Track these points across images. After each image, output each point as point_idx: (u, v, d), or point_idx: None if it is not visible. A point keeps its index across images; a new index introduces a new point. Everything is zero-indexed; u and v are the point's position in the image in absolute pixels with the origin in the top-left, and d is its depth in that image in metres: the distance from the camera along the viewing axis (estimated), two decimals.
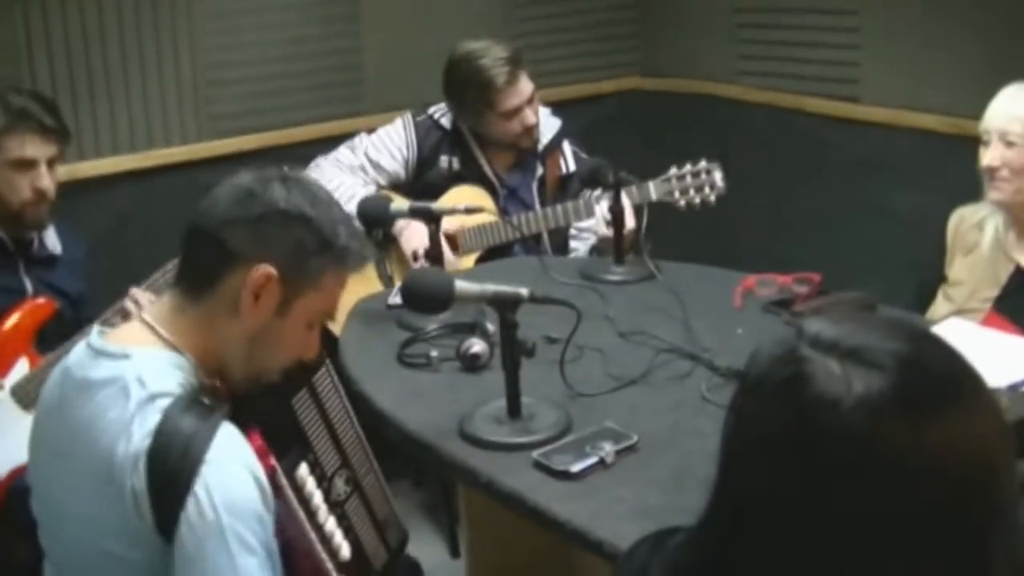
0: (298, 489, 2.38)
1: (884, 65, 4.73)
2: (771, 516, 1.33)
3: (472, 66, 4.37)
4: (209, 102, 4.87)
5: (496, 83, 4.33)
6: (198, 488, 2.07)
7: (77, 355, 2.32)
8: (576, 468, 2.50)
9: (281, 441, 2.34)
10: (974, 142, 3.51)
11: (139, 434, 2.11)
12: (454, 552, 4.55)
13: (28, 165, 3.68)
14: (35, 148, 3.67)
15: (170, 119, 4.81)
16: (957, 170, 3.71)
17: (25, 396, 3.55)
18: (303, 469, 2.42)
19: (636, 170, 3.84)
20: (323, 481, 2.49)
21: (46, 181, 3.70)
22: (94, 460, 2.16)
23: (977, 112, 3.49)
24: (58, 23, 4.54)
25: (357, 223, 2.42)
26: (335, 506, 2.53)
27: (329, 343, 3.81)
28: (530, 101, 4.42)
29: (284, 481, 2.28)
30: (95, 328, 2.39)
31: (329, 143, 4.67)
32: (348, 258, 2.32)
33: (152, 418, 2.12)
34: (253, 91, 4.95)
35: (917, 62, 4.59)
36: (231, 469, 2.13)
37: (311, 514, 2.42)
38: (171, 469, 2.08)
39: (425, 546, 4.53)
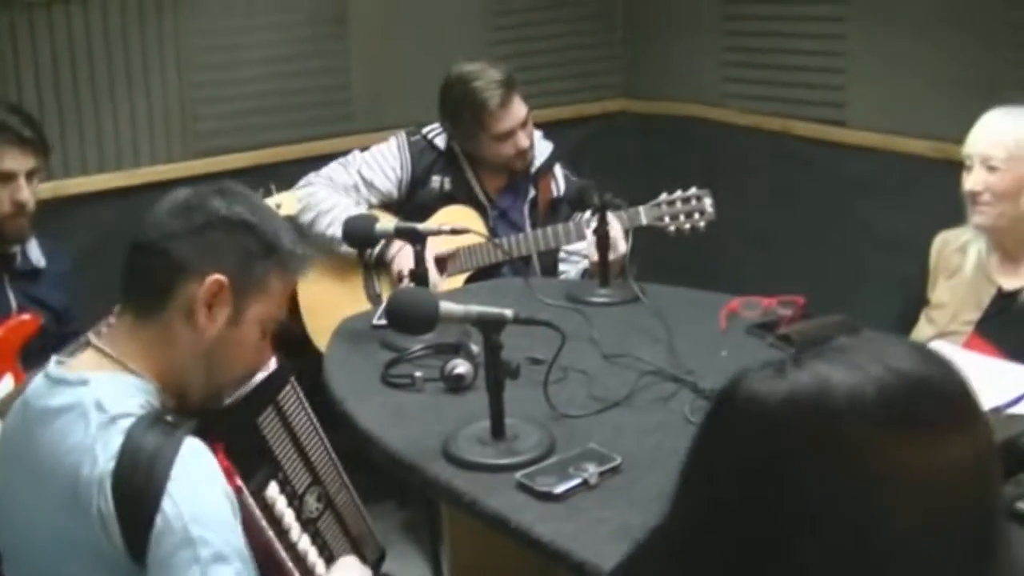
0: (268, 508, 2.37)
1: (870, 89, 4.75)
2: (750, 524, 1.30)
3: (467, 88, 4.38)
4: (196, 120, 4.87)
5: (489, 105, 4.34)
6: (165, 505, 2.06)
7: (36, 386, 2.31)
8: (559, 489, 2.50)
9: (249, 461, 2.33)
10: (958, 166, 3.53)
11: (103, 457, 2.10)
12: (436, 573, 4.54)
13: (7, 178, 3.70)
14: (14, 161, 3.70)
15: (156, 137, 4.81)
16: (942, 194, 3.73)
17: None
18: (272, 488, 2.41)
19: (622, 192, 3.85)
20: (294, 499, 2.48)
21: (25, 194, 3.72)
22: (57, 486, 2.14)
23: (961, 136, 3.51)
24: (45, 39, 4.54)
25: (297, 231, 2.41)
26: (308, 524, 2.52)
27: (300, 359, 3.84)
28: (523, 124, 4.43)
29: (251, 501, 2.27)
30: (53, 359, 2.36)
31: (316, 162, 4.66)
32: (293, 261, 2.34)
33: (115, 440, 2.11)
34: (240, 109, 4.96)
35: (903, 86, 4.61)
36: (197, 483, 2.12)
37: (283, 533, 2.41)
38: (137, 489, 2.07)
39: (408, 567, 4.53)
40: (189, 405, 2.33)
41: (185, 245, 2.24)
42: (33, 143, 3.76)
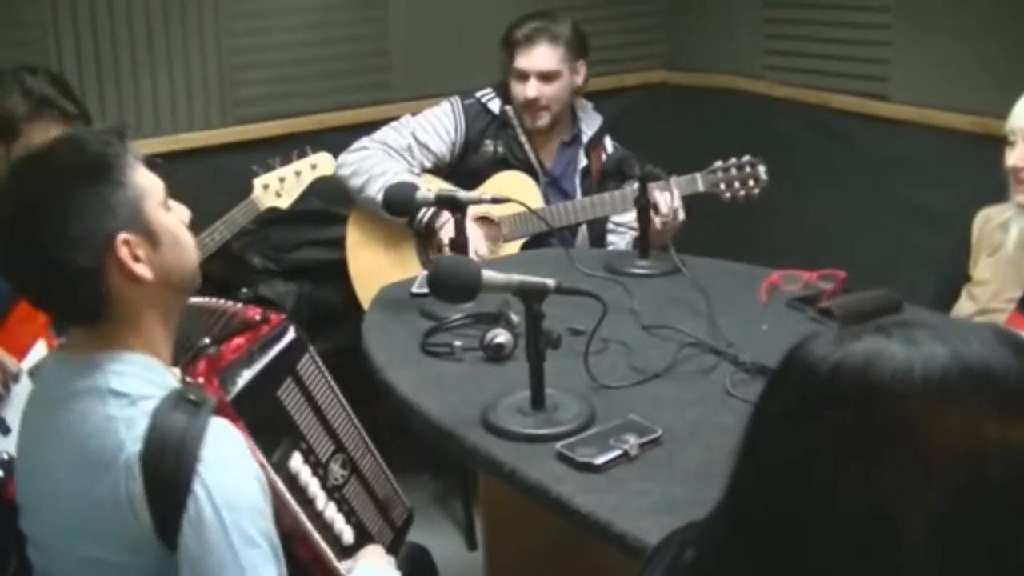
0: (292, 479, 2.37)
1: (914, 63, 4.71)
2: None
3: (519, 20, 4.52)
4: (235, 87, 4.86)
5: (516, 35, 4.47)
6: (196, 488, 2.06)
7: (47, 371, 2.36)
8: (600, 460, 2.49)
9: (271, 434, 2.34)
10: (1001, 142, 3.49)
11: (129, 439, 2.09)
12: (471, 544, 4.55)
13: None
14: (59, 130, 3.69)
15: (195, 103, 4.81)
16: (983, 170, 3.69)
17: None
18: (296, 459, 2.41)
19: (662, 163, 3.83)
20: (318, 468, 2.48)
21: None
22: (80, 471, 2.14)
23: (1004, 112, 3.47)
24: (85, 7, 4.54)
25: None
26: (334, 491, 2.53)
27: (348, 326, 3.83)
28: (543, 77, 4.46)
29: (274, 476, 2.27)
30: (61, 341, 2.36)
31: (355, 130, 4.66)
32: (125, 160, 2.22)
33: (140, 422, 2.10)
34: (279, 76, 4.95)
35: (947, 61, 4.57)
36: (228, 465, 2.12)
37: (308, 503, 2.41)
38: (167, 471, 2.07)
39: (442, 538, 4.54)
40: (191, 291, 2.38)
41: (69, 250, 2.14)
42: (77, 117, 3.76)
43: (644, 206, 3.67)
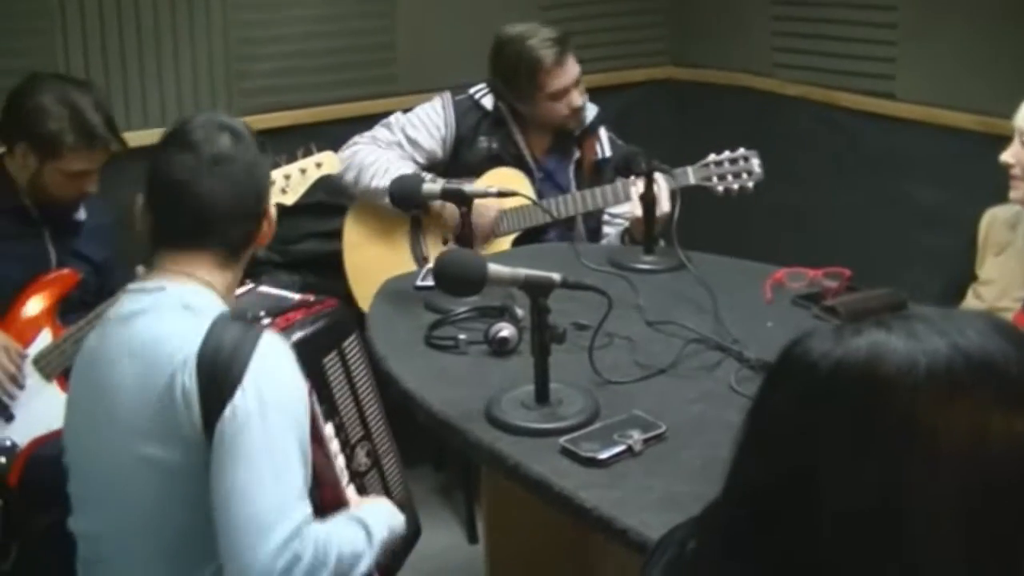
0: (323, 442, 2.42)
1: (920, 63, 4.70)
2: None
3: (521, 47, 4.39)
4: (240, 78, 4.86)
5: (545, 63, 4.36)
6: (247, 381, 2.25)
7: (114, 306, 2.52)
8: (604, 455, 2.49)
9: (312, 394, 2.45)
10: (1007, 142, 3.49)
11: (191, 338, 2.29)
12: (472, 537, 4.55)
13: (83, 174, 3.73)
14: (94, 163, 3.74)
15: (201, 94, 4.80)
16: (989, 170, 3.68)
17: (47, 366, 3.55)
18: (329, 429, 2.44)
19: (666, 159, 3.83)
20: (346, 447, 2.53)
21: (94, 186, 3.78)
22: (144, 370, 2.31)
23: (1011, 111, 3.48)
24: None
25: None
26: (355, 476, 2.55)
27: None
28: (577, 83, 4.44)
29: (316, 408, 2.44)
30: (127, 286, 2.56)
31: (360, 123, 4.67)
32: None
33: (202, 326, 2.31)
34: (285, 68, 4.94)
35: (953, 60, 4.56)
36: (278, 370, 2.32)
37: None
38: (221, 367, 2.25)
39: (443, 530, 4.54)
40: None
41: (257, 202, 2.54)
42: (112, 143, 3.77)
43: (650, 201, 3.67)
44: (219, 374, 2.25)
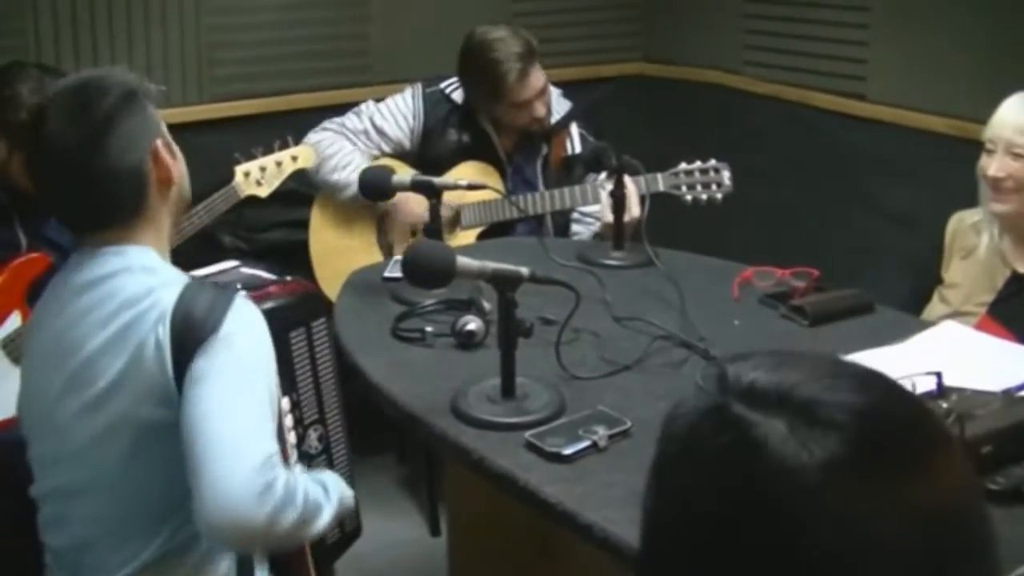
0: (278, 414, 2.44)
1: (892, 64, 4.71)
2: None
3: (486, 59, 4.39)
4: (212, 64, 4.84)
5: (508, 80, 4.36)
6: (221, 331, 2.29)
7: (71, 266, 2.50)
8: (568, 451, 2.48)
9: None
10: (976, 145, 3.50)
11: (164, 296, 2.33)
12: (434, 530, 4.54)
13: None
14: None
15: (172, 80, 4.78)
16: (959, 172, 3.70)
17: (16, 350, 3.54)
18: (285, 402, 2.44)
19: (636, 155, 3.83)
20: (299, 425, 2.54)
21: None
22: (115, 333, 2.33)
23: (982, 115, 3.48)
24: None
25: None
26: (304, 457, 2.55)
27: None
28: (541, 93, 4.44)
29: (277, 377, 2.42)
30: (82, 247, 2.53)
31: (332, 112, 4.66)
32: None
33: (174, 286, 2.36)
34: (257, 55, 4.93)
35: (924, 63, 4.58)
36: (251, 323, 2.36)
37: (283, 444, 2.45)
38: (196, 321, 2.29)
39: (405, 522, 4.54)
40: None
41: (120, 151, 2.44)
42: None
43: (620, 198, 3.67)
44: (193, 328, 2.29)
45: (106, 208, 2.46)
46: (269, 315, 2.46)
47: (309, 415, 2.59)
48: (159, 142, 2.49)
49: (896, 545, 1.10)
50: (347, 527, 2.80)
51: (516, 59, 4.35)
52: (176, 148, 2.59)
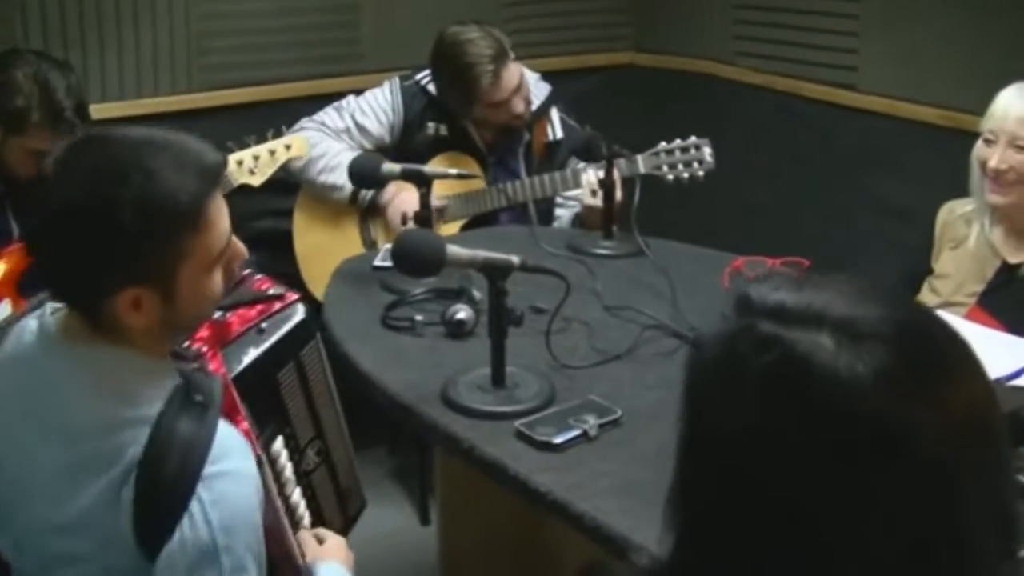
0: (272, 463, 2.35)
1: (882, 55, 4.71)
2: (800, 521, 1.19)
3: (457, 63, 4.31)
4: (201, 53, 4.82)
5: (481, 83, 4.28)
6: (194, 505, 1.96)
7: (32, 342, 2.14)
8: (559, 440, 2.49)
9: (262, 415, 2.30)
10: (968, 136, 3.50)
11: (130, 443, 1.98)
12: (424, 519, 4.54)
13: (45, 154, 3.68)
14: (52, 144, 3.68)
15: (161, 68, 4.75)
16: (950, 163, 3.70)
17: (4, 338, 3.53)
18: (278, 443, 2.38)
19: (627, 146, 3.84)
20: (296, 453, 2.46)
21: None
22: (71, 465, 2.02)
23: (973, 106, 3.48)
24: None
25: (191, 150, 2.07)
26: (303, 476, 2.51)
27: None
28: (517, 90, 4.37)
29: (267, 471, 2.23)
30: (48, 308, 2.18)
31: (323, 101, 4.64)
32: (183, 213, 1.99)
33: (142, 427, 1.99)
34: (247, 44, 4.90)
35: (916, 53, 4.57)
36: (231, 482, 2.01)
37: (281, 486, 2.39)
38: (166, 481, 1.96)
39: (396, 512, 4.55)
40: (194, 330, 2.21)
41: (78, 269, 2.01)
42: (78, 128, 3.74)
43: (610, 187, 3.67)
44: (164, 489, 1.96)
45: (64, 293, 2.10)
46: (253, 368, 2.26)
47: (305, 437, 2.52)
48: (133, 293, 1.99)
49: (936, 447, 1.16)
50: (350, 511, 2.78)
51: (488, 61, 4.28)
52: (195, 288, 2.05)
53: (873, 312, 1.21)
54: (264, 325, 2.35)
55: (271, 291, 2.42)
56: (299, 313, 2.45)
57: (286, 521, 2.33)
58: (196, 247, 2.02)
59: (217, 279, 2.10)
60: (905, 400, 1.16)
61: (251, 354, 2.27)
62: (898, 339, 1.18)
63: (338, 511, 2.72)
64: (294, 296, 2.48)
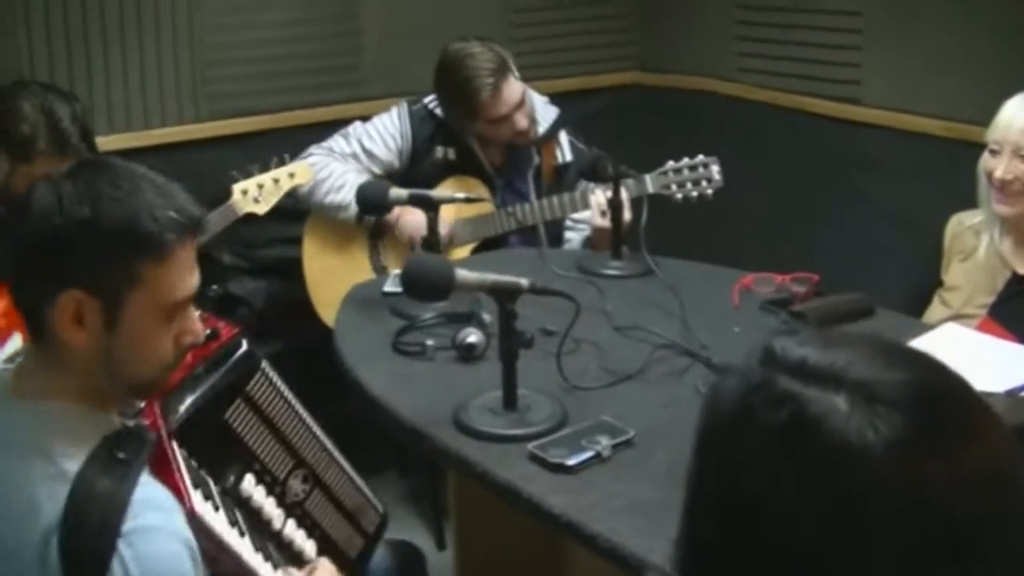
0: (243, 503, 2.32)
1: (886, 68, 4.71)
2: None
3: (458, 77, 4.32)
4: (207, 82, 4.84)
5: (480, 96, 4.28)
6: (115, 564, 1.90)
7: None
8: (572, 461, 2.49)
9: (220, 459, 2.27)
10: (972, 147, 3.50)
11: (48, 509, 1.93)
12: (440, 544, 4.53)
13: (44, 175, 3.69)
14: (54, 168, 3.69)
15: (167, 98, 4.78)
16: (955, 175, 3.70)
17: None
18: (248, 481, 2.35)
19: (633, 165, 3.84)
20: (275, 487, 2.43)
21: None
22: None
23: (976, 117, 3.48)
24: None
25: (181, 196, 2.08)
26: (293, 507, 2.48)
27: (305, 331, 3.86)
28: (519, 105, 4.37)
29: (207, 522, 2.14)
30: (1, 362, 2.19)
31: (326, 128, 4.65)
32: (152, 243, 2.00)
33: (60, 489, 1.93)
34: (251, 73, 4.92)
35: (919, 66, 4.58)
36: (150, 537, 1.94)
37: (264, 524, 2.37)
38: (86, 547, 1.91)
39: (410, 537, 4.47)
40: (123, 405, 2.17)
41: (31, 266, 2.03)
42: (84, 155, 3.75)
43: (617, 207, 3.67)
44: (84, 555, 1.91)
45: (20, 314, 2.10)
46: (198, 414, 2.21)
47: (282, 469, 2.45)
48: (75, 294, 1.98)
49: (953, 510, 1.13)
50: (368, 528, 2.76)
51: (488, 75, 4.28)
52: (140, 325, 2.04)
53: (894, 376, 1.18)
54: (200, 371, 2.29)
55: (206, 331, 2.29)
56: (240, 347, 2.39)
57: (252, 563, 2.25)
58: (152, 278, 2.01)
59: (166, 337, 2.08)
60: (915, 468, 1.14)
61: (188, 401, 2.21)
62: (915, 406, 1.16)
63: (354, 531, 2.71)
64: (233, 330, 2.42)
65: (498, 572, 3.44)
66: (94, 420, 2.06)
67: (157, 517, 1.97)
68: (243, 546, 2.25)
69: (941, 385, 1.21)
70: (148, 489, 1.99)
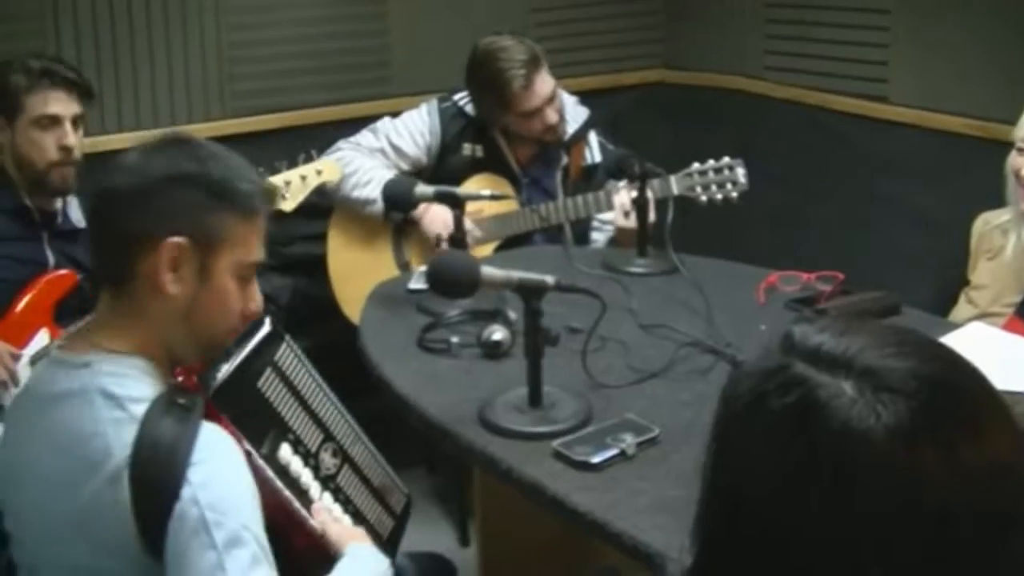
0: (283, 471, 2.34)
1: (913, 66, 4.70)
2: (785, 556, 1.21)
3: (490, 68, 4.34)
4: (234, 80, 4.85)
5: (512, 87, 4.30)
6: (184, 492, 2.02)
7: (39, 370, 2.33)
8: (597, 459, 2.49)
9: (258, 427, 2.31)
10: (1000, 146, 3.49)
11: (118, 447, 2.06)
12: (464, 540, 4.54)
13: (53, 122, 3.71)
14: (59, 105, 3.72)
15: (194, 96, 4.79)
16: (982, 173, 3.70)
17: None
18: (285, 450, 2.38)
19: (658, 163, 3.83)
20: (309, 458, 2.45)
21: (71, 139, 3.73)
22: (67, 473, 2.10)
23: (1004, 116, 3.47)
24: None
25: (256, 171, 2.35)
26: (327, 481, 2.50)
27: (329, 327, 3.86)
28: (550, 100, 4.38)
29: (261, 463, 2.24)
30: (55, 342, 2.35)
31: (353, 125, 4.67)
32: (247, 201, 2.24)
33: (129, 427, 2.07)
34: (278, 70, 4.93)
35: (946, 64, 4.56)
36: (216, 470, 2.08)
37: (302, 493, 2.39)
38: (155, 479, 2.03)
39: (435, 533, 4.53)
40: (186, 364, 2.32)
41: (133, 213, 2.17)
42: (78, 86, 3.78)
43: (643, 205, 3.67)
44: (154, 486, 2.03)
45: (100, 260, 2.28)
46: (228, 386, 2.27)
47: (314, 441, 2.50)
48: (178, 240, 2.15)
49: (947, 502, 1.14)
50: (396, 508, 2.76)
51: (520, 66, 4.30)
52: (225, 281, 2.24)
53: (903, 364, 1.20)
54: (231, 347, 2.37)
55: None
56: (265, 326, 2.46)
57: (304, 512, 2.33)
58: (240, 236, 2.24)
59: (240, 299, 2.29)
60: (911, 455, 1.15)
61: (224, 370, 2.29)
62: (920, 395, 1.17)
63: (383, 511, 2.70)
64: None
65: (522, 569, 3.44)
66: (160, 375, 2.22)
67: (220, 450, 2.11)
68: (288, 494, 2.32)
69: (951, 377, 1.22)
70: (208, 428, 2.12)
